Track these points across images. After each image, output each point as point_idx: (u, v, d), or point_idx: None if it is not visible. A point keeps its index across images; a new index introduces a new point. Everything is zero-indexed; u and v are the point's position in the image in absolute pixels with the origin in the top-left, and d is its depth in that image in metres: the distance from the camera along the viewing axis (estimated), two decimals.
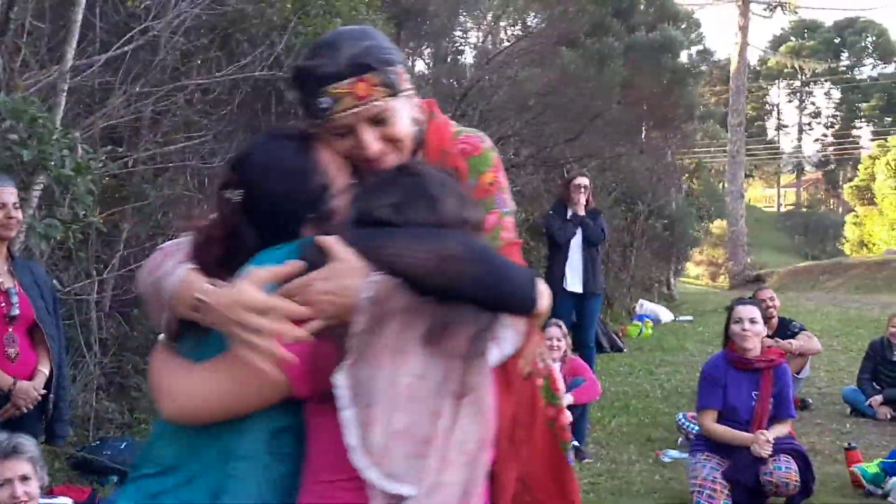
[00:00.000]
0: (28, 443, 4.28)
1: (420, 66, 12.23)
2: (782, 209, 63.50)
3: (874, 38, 60.06)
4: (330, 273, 2.00)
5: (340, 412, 1.94)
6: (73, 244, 6.64)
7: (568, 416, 2.72)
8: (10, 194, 4.88)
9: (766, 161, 63.98)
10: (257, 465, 2.01)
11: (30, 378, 4.87)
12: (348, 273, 2.00)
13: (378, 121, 2.22)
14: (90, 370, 7.81)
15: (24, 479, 4.21)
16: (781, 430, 6.62)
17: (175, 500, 2.03)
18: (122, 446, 7.16)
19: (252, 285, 2.00)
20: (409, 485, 1.94)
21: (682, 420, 8.40)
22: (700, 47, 19.71)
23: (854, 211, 49.01)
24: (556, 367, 6.81)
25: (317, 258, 2.02)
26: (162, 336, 2.15)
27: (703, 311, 19.72)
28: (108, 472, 6.88)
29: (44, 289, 5.06)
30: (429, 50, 12.78)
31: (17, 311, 4.82)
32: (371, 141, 2.22)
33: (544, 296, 2.15)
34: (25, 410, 4.83)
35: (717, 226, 33.56)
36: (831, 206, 60.60)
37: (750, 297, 8.80)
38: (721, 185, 36.05)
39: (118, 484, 6.76)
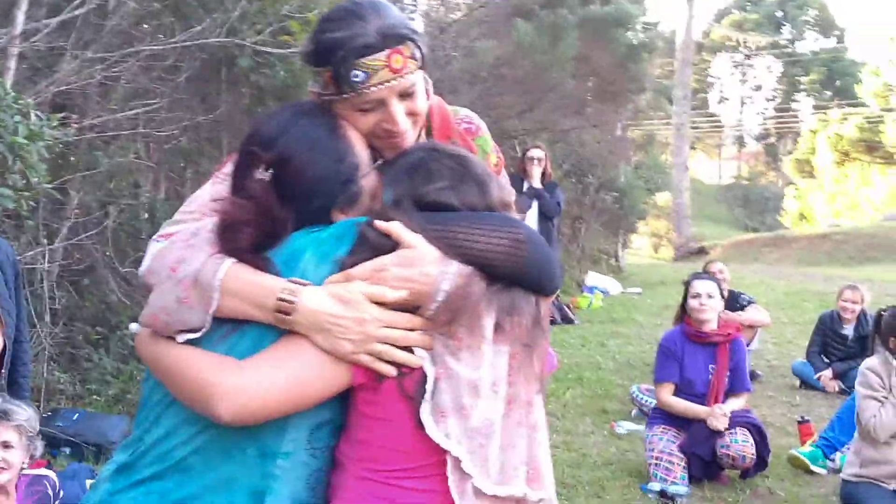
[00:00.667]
0: (21, 411, 4.23)
1: None
2: (723, 182, 64.14)
3: (815, 13, 60.66)
4: (404, 260, 1.94)
5: (439, 412, 1.89)
6: (26, 212, 6.49)
7: None
8: None
9: (708, 134, 64.54)
10: (297, 462, 1.95)
11: None
12: (424, 260, 1.94)
13: (406, 95, 2.16)
14: (41, 340, 7.67)
15: (6, 445, 4.18)
16: (737, 403, 6.71)
17: None
18: (75, 417, 7.06)
19: (355, 286, 1.95)
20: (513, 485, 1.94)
21: (636, 392, 8.46)
22: (646, 19, 19.56)
23: (794, 184, 49.64)
24: None
25: (381, 243, 1.95)
26: (149, 329, 2.03)
27: (652, 283, 19.88)
28: (61, 443, 6.76)
29: (4, 262, 4.80)
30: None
31: None
32: (401, 115, 2.16)
33: None
34: None
35: (660, 198, 33.91)
36: (772, 179, 61.23)
37: (704, 271, 8.87)
38: (665, 157, 36.34)
39: (71, 456, 6.68)
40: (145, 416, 2.09)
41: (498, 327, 1.93)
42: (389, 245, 1.95)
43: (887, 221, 30.57)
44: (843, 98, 53.53)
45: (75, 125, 7.11)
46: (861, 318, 9.73)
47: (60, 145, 6.51)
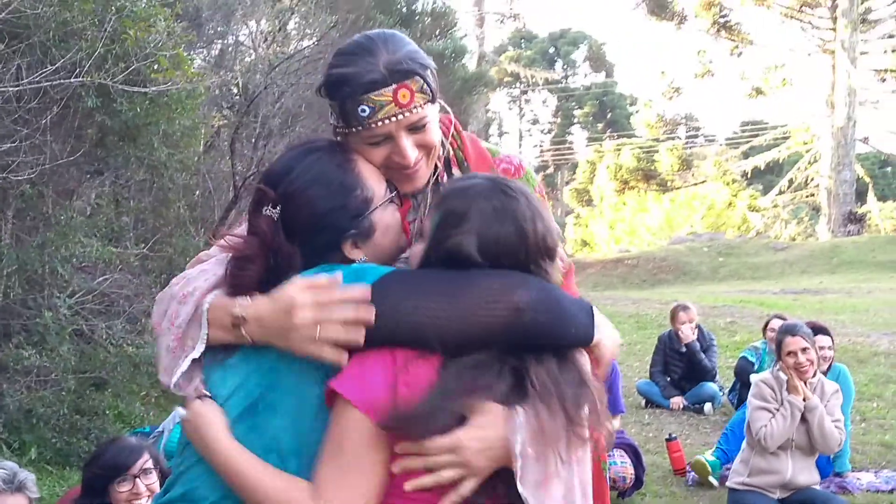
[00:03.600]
0: (31, 478, 4.13)
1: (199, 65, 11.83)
2: None
3: (587, 49, 63.30)
4: (478, 431, 1.92)
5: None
6: None
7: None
8: None
9: None
10: None
11: None
12: (495, 425, 1.93)
13: (415, 128, 2.20)
14: None
15: None
16: (613, 423, 6.92)
17: None
18: None
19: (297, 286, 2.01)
20: None
21: None
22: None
23: (574, 212, 51.46)
24: None
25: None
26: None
27: None
28: None
29: None
30: (203, 51, 12.40)
31: None
32: (410, 149, 2.20)
33: (602, 327, 2.15)
34: None
35: None
36: (552, 209, 63.29)
37: None
38: None
39: None
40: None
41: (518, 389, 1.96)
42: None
43: (673, 245, 32.17)
44: (615, 129, 56.18)
45: None
46: (699, 331, 10.23)
47: None
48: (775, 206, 42.05)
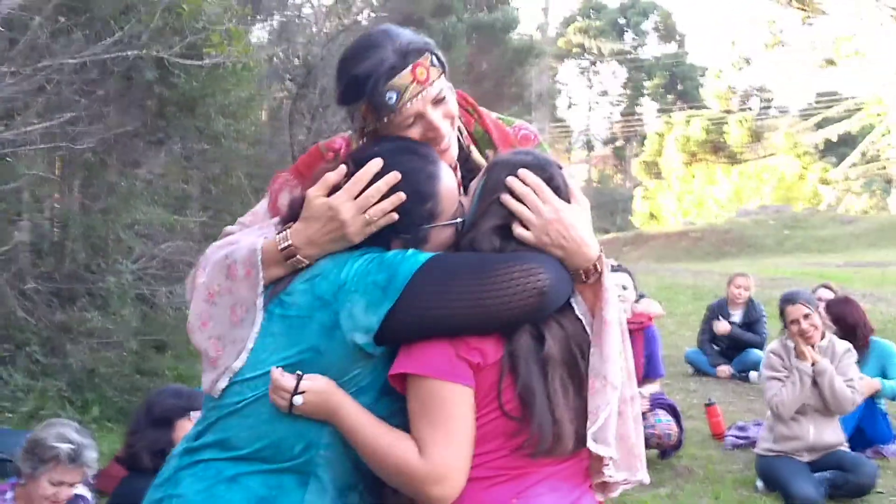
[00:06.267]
0: (93, 454, 4.34)
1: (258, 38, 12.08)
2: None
3: (657, 19, 62.59)
4: (576, 213, 2.21)
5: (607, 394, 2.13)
6: None
7: None
8: None
9: (557, 139, 65.80)
10: (338, 451, 2.14)
11: None
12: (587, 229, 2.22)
13: (438, 101, 2.31)
14: None
15: (72, 485, 4.30)
16: (652, 387, 7.10)
17: (261, 482, 2.13)
18: None
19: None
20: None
21: None
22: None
23: (643, 185, 51.14)
24: None
25: None
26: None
27: None
28: None
29: None
30: (265, 24, 12.66)
31: None
32: (440, 121, 2.31)
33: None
34: None
35: None
36: (620, 182, 62.79)
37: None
38: None
39: None
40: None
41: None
42: None
43: (740, 217, 31.93)
44: (685, 101, 55.56)
45: None
46: (749, 305, 10.31)
47: None
48: (847, 179, 41.41)
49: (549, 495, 2.12)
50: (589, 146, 69.63)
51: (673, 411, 7.01)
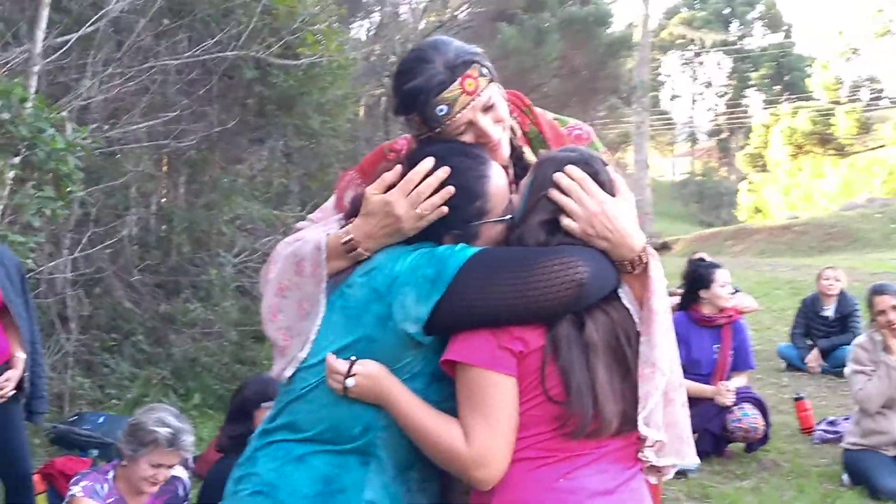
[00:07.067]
0: (190, 439, 4.53)
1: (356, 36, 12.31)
2: (677, 178, 64.66)
3: (763, 9, 61.53)
4: (621, 206, 2.31)
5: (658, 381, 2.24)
6: (58, 221, 6.75)
7: None
8: None
9: (660, 131, 65.10)
10: (395, 432, 2.26)
11: (6, 363, 4.82)
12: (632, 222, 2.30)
13: (487, 108, 2.43)
14: (63, 348, 7.90)
15: (170, 467, 4.50)
16: (740, 380, 7.12)
17: (326, 461, 2.29)
18: (101, 420, 7.27)
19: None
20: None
21: None
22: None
23: (748, 178, 50.27)
24: None
25: None
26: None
27: None
28: (89, 445, 6.99)
29: (10, 269, 4.96)
30: (364, 22, 12.91)
31: None
32: (490, 127, 2.44)
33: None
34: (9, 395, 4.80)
35: None
36: (725, 175, 61.86)
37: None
38: (619, 155, 36.75)
39: (99, 457, 6.89)
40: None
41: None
42: None
43: (845, 211, 31.20)
44: (792, 92, 54.40)
45: (102, 137, 7.34)
46: (841, 298, 10.20)
47: (96, 154, 6.75)
48: None
49: (597, 476, 2.21)
50: (693, 138, 68.83)
51: (760, 405, 7.01)
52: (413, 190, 2.33)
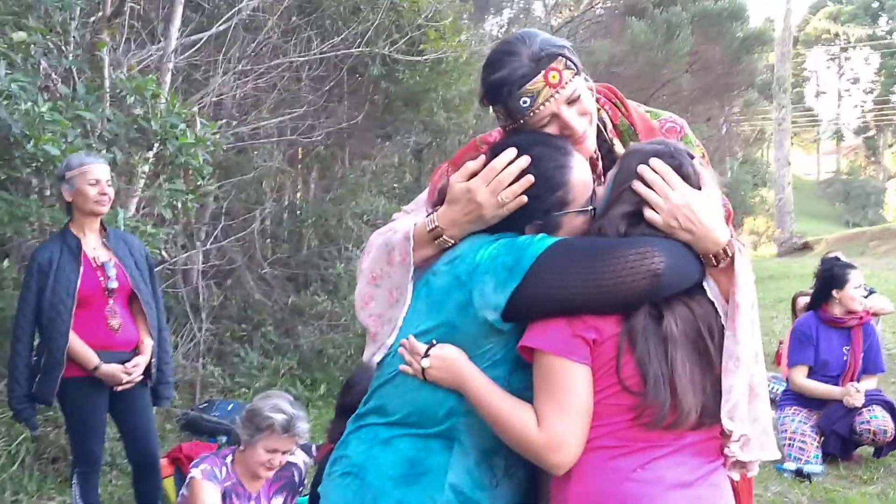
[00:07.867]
0: (304, 426, 4.61)
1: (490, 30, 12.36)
2: (822, 177, 62.98)
3: None
4: (705, 199, 2.29)
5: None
6: (190, 214, 6.97)
7: None
8: (104, 172, 4.85)
9: (804, 128, 63.45)
10: (477, 418, 2.27)
11: (134, 349, 4.98)
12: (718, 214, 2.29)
13: (572, 101, 2.42)
14: (195, 337, 8.16)
15: (285, 453, 4.59)
16: (870, 383, 6.88)
17: (410, 444, 2.33)
18: (230, 408, 7.45)
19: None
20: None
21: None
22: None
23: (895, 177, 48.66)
24: None
25: None
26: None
27: (761, 278, 19.78)
28: (217, 432, 7.18)
29: (138, 258, 5.09)
30: (497, 18, 12.97)
31: (115, 284, 4.86)
32: (574, 120, 2.43)
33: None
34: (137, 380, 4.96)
35: (756, 194, 33.34)
36: (872, 174, 59.94)
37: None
38: (760, 153, 35.96)
39: (228, 443, 7.08)
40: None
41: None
42: None
43: None
44: None
45: (233, 132, 7.55)
46: None
47: (223, 149, 6.95)
48: None
49: (675, 469, 2.19)
50: (839, 136, 66.81)
51: (890, 408, 6.76)
52: (494, 178, 2.35)
